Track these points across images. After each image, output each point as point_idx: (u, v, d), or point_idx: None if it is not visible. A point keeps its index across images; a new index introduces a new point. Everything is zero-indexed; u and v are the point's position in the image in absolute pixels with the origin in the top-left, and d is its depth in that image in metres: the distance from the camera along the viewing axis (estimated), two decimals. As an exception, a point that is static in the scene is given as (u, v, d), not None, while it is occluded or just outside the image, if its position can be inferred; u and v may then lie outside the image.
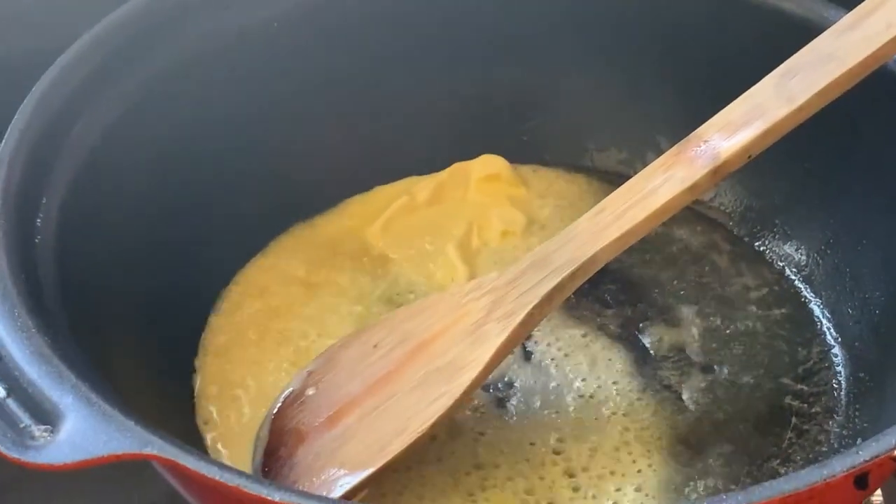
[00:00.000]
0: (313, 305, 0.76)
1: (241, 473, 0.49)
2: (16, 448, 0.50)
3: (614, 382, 0.71)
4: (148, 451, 0.50)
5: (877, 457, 0.49)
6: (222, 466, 0.49)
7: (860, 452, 0.49)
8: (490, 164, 0.83)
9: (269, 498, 0.48)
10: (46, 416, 0.51)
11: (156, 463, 0.52)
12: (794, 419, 0.69)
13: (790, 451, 0.67)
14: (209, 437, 0.68)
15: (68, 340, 0.57)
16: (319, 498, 0.49)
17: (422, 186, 0.83)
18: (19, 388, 0.52)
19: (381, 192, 0.84)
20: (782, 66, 0.65)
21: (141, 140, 0.71)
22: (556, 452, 0.67)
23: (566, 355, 0.72)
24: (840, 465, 0.49)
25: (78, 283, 0.62)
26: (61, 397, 0.51)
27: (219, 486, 0.49)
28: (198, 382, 0.71)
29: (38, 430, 0.51)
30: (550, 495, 0.65)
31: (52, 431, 0.51)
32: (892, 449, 0.50)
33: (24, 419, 0.51)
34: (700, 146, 0.65)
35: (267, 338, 0.74)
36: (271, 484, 0.49)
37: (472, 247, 0.80)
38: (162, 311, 0.70)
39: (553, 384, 0.71)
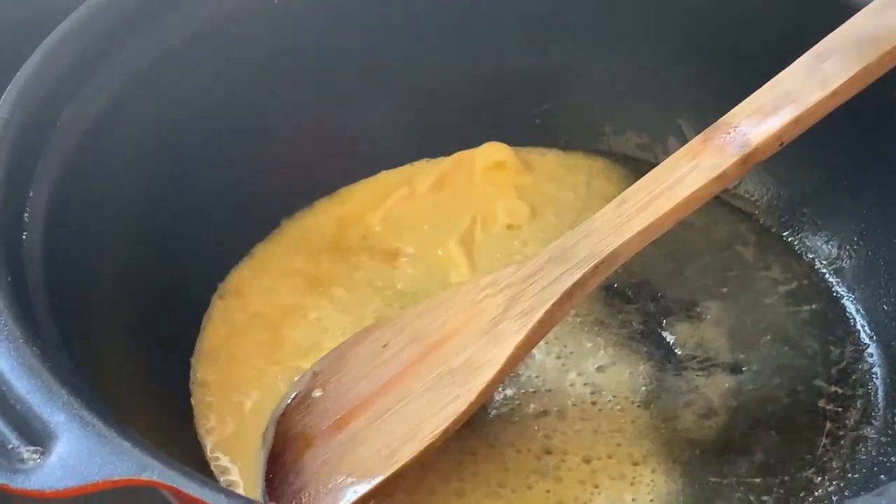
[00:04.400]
0: (315, 301, 0.72)
1: (249, 501, 0.45)
2: (3, 472, 0.46)
3: (637, 384, 0.67)
4: (147, 476, 0.46)
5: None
6: (228, 493, 0.45)
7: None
8: (494, 152, 0.80)
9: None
10: (36, 436, 0.47)
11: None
12: (828, 424, 0.65)
13: (825, 459, 0.64)
14: (209, 446, 0.64)
15: (58, 350, 0.53)
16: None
17: (424, 175, 0.79)
18: (6, 405, 0.48)
19: (382, 180, 0.80)
20: (815, 47, 0.63)
21: (133, 129, 0.67)
22: (579, 457, 0.63)
23: (585, 354, 0.68)
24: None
25: (67, 284, 0.58)
26: (52, 415, 0.48)
27: (224, 514, 0.45)
28: (195, 388, 0.67)
29: (27, 451, 0.47)
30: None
31: (42, 453, 0.47)
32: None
33: (12, 439, 0.47)
34: (729, 133, 0.62)
35: (267, 337, 0.70)
36: (281, 513, 0.45)
37: (475, 240, 0.76)
38: (156, 313, 0.66)
39: (571, 384, 0.67)
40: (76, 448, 0.46)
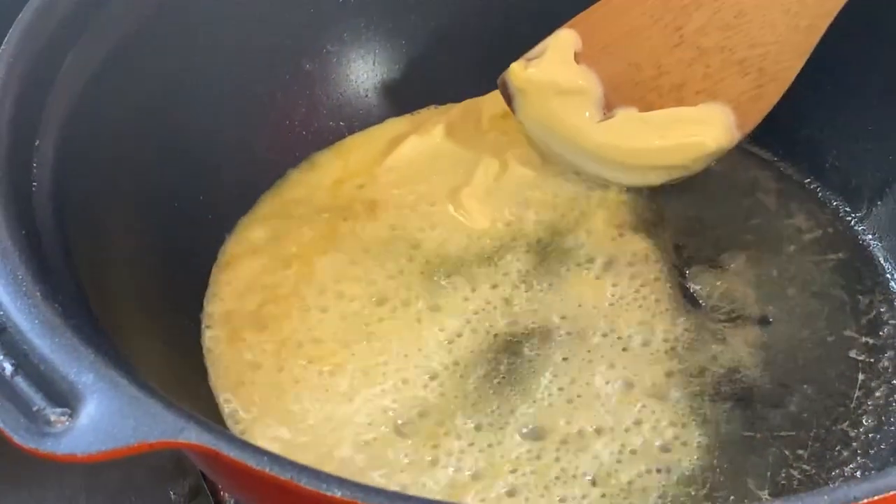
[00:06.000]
0: (325, 256, 0.69)
1: (293, 465, 0.43)
2: (31, 436, 0.43)
3: (664, 336, 0.65)
4: (185, 438, 0.43)
5: None
6: (273, 457, 0.43)
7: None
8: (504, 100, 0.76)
9: (328, 494, 0.42)
10: (62, 397, 0.44)
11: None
12: (860, 376, 0.64)
13: (860, 411, 0.62)
14: (223, 399, 0.62)
15: (78, 307, 0.50)
16: (383, 492, 0.43)
17: (431, 123, 0.76)
18: (29, 365, 0.45)
19: (388, 128, 0.77)
20: None
21: (139, 74, 0.64)
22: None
23: (610, 304, 0.66)
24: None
25: (79, 236, 0.56)
26: (79, 375, 0.45)
27: (267, 478, 0.43)
28: (207, 344, 0.65)
29: (53, 413, 0.44)
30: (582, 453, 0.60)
31: (70, 416, 0.44)
32: None
33: (37, 401, 0.44)
34: None
35: (275, 296, 0.67)
36: (329, 477, 0.42)
37: (487, 189, 0.73)
38: (166, 266, 0.65)
39: (595, 334, 0.65)
40: (107, 410, 0.44)
